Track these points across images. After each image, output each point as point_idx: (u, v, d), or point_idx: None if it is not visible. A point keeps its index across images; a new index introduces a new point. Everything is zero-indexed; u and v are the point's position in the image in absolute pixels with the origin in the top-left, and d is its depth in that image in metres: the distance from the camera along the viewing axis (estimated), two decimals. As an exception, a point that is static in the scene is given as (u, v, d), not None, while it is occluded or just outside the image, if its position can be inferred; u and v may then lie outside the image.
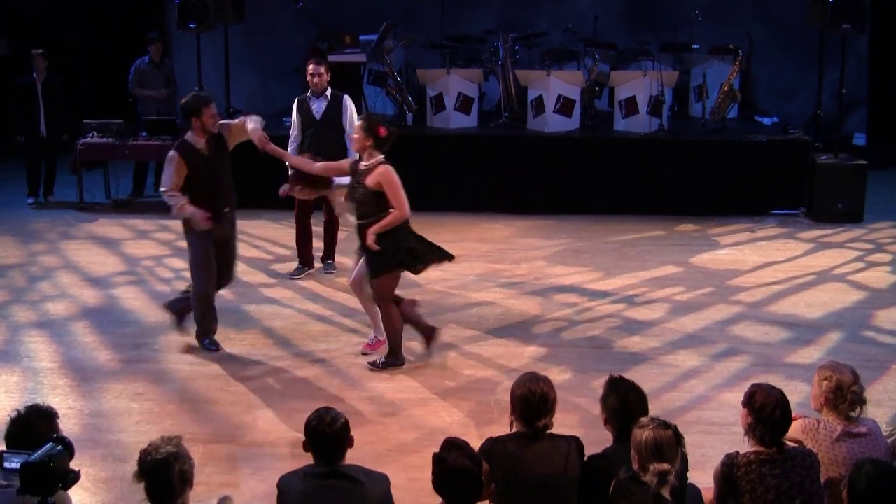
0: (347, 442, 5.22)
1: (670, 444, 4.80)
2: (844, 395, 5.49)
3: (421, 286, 10.80)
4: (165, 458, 4.69)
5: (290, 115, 11.12)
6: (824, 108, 14.53)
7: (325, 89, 10.89)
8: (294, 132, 10.97)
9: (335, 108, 10.86)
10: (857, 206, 13.51)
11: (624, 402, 5.40)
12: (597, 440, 5.86)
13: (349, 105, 10.95)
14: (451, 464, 4.93)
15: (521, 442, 5.39)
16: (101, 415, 7.91)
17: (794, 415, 5.48)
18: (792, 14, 15.82)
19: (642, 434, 4.83)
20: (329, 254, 11.39)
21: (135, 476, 4.77)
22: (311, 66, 10.92)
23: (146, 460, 4.72)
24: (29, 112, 14.78)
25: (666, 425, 4.85)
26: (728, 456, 5.18)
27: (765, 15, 16.98)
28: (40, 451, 4.15)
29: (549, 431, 5.43)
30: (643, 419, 4.95)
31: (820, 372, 5.64)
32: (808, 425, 5.53)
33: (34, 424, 5.02)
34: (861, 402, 5.54)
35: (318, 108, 10.86)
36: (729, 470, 5.12)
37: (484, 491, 5.14)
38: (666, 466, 4.75)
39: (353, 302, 10.38)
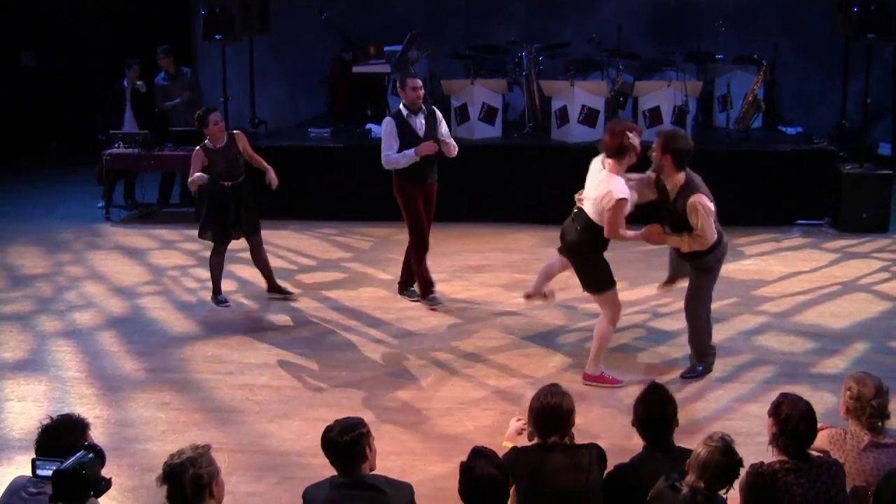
0: (361, 452, 5.21)
1: (717, 469, 4.81)
2: (864, 408, 5.47)
3: (446, 296, 10.82)
4: (182, 462, 4.73)
5: (386, 134, 10.32)
6: (849, 117, 14.46)
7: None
8: (405, 153, 10.24)
9: (433, 122, 10.48)
10: (882, 216, 13.46)
11: (649, 412, 5.44)
12: (621, 450, 5.87)
13: (440, 115, 10.65)
14: (479, 472, 4.93)
15: (542, 453, 5.41)
16: (128, 424, 7.96)
17: (820, 425, 5.48)
18: (816, 24, 15.80)
19: (701, 448, 4.88)
20: (411, 280, 10.87)
21: (157, 479, 4.82)
22: (411, 81, 10.39)
23: (166, 464, 4.78)
24: (115, 118, 15.03)
25: (727, 452, 4.85)
26: (753, 466, 5.18)
27: (789, 25, 16.95)
28: (72, 459, 4.19)
29: (568, 441, 5.45)
30: (714, 434, 4.97)
31: (846, 381, 5.64)
32: (834, 435, 5.53)
33: (64, 434, 5.05)
34: (882, 416, 5.50)
35: (419, 124, 10.38)
36: (755, 480, 5.11)
37: (510, 500, 5.16)
38: (700, 485, 4.79)
39: (380, 312, 10.45)
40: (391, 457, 7.00)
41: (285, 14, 16.87)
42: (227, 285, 11.15)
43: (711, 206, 8.26)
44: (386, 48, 15.92)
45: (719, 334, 9.64)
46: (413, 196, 10.42)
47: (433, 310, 10.49)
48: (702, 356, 8.77)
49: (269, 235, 11.55)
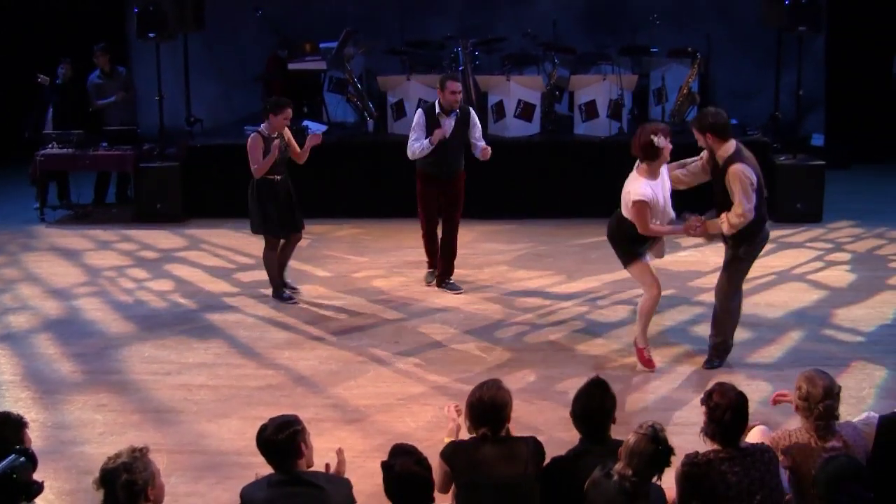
0: (297, 449, 5.24)
1: (645, 456, 4.88)
2: (812, 409, 5.44)
3: (385, 292, 10.83)
4: (115, 467, 4.71)
5: (415, 125, 10.65)
6: (782, 109, 14.63)
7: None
8: (421, 142, 10.57)
9: (464, 125, 10.63)
10: (815, 207, 13.62)
11: (588, 405, 5.49)
12: (560, 442, 5.89)
13: (476, 118, 10.81)
14: (399, 470, 5.01)
15: (479, 446, 5.44)
16: (65, 426, 7.88)
17: (777, 393, 5.56)
18: (750, 16, 15.91)
19: (630, 436, 4.96)
20: (449, 272, 11.07)
21: (94, 483, 4.79)
22: (451, 84, 10.53)
23: (102, 468, 4.75)
24: (42, 115, 14.85)
25: (655, 440, 4.90)
26: (688, 456, 5.22)
27: (723, 17, 17.08)
28: (3, 463, 4.15)
29: (504, 434, 5.48)
30: (644, 423, 5.03)
31: (797, 379, 5.59)
32: (779, 439, 5.52)
33: (2, 431, 4.99)
34: (830, 417, 5.47)
35: (448, 125, 10.54)
36: (690, 469, 5.16)
37: (435, 493, 5.21)
38: (628, 472, 4.85)
39: (318, 309, 10.42)
40: (331, 454, 6.94)
41: (220, 11, 16.75)
42: (162, 285, 11.08)
43: (753, 177, 8.25)
44: (321, 45, 15.87)
45: (656, 325, 9.73)
46: (427, 190, 10.71)
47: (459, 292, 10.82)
48: (719, 349, 8.80)
49: (206, 234, 11.51)
